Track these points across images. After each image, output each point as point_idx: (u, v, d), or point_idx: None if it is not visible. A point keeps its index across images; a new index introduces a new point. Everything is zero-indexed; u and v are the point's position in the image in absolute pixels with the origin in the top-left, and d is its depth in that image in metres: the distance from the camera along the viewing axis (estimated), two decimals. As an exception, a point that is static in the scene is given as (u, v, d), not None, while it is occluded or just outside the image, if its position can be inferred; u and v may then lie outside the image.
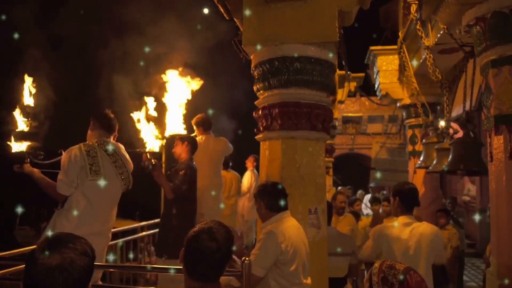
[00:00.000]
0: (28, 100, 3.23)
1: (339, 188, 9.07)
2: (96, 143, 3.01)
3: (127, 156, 3.21)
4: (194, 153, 4.00)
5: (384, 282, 1.53)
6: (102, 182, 2.91)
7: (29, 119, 3.20)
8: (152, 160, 3.44)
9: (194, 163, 3.94)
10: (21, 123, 3.19)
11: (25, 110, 3.19)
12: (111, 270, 4.26)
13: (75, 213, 2.85)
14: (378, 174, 11.60)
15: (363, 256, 3.30)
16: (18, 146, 3.11)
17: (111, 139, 3.15)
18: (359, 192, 10.42)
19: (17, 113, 3.18)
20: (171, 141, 4.07)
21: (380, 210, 6.27)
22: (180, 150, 3.92)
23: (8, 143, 3.11)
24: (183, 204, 3.74)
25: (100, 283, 3.12)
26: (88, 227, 2.79)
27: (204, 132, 4.79)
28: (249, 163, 7.13)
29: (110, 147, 3.04)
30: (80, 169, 2.88)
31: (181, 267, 1.63)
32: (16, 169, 3.00)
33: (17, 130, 3.15)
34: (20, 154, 3.04)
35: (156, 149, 3.57)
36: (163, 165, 4.39)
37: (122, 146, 3.21)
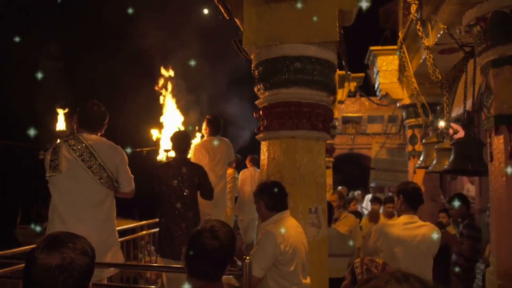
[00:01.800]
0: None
1: (339, 188, 9.08)
2: (63, 139, 2.99)
3: (109, 150, 2.98)
4: (181, 150, 3.99)
5: (367, 273, 1.72)
6: (60, 177, 2.83)
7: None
8: None
9: (174, 161, 3.92)
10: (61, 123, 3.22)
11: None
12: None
13: (49, 210, 2.88)
14: (376, 174, 11.62)
15: (365, 250, 3.30)
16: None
17: (91, 133, 2.99)
18: (358, 192, 10.42)
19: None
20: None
21: (381, 210, 6.28)
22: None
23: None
24: (164, 203, 3.80)
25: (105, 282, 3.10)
26: (61, 224, 2.74)
27: (210, 134, 4.84)
28: (248, 162, 7.14)
29: (77, 141, 2.89)
30: (46, 166, 2.89)
31: (179, 266, 1.64)
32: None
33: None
34: None
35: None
36: None
37: (101, 140, 3.01)
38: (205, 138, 4.88)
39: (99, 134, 3.07)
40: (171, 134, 4.13)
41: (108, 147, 2.99)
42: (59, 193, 2.86)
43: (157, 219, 5.22)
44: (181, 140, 4.01)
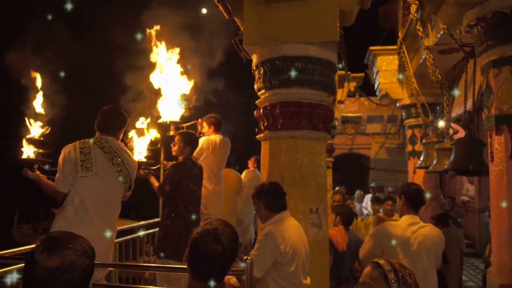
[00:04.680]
0: (39, 108, 3.31)
1: (337, 188, 9.07)
2: (93, 140, 3.01)
3: (129, 155, 3.13)
4: (194, 150, 4.05)
5: (403, 282, 1.48)
6: (93, 178, 2.87)
7: (43, 126, 3.32)
8: (146, 170, 3.73)
9: (189, 162, 3.92)
10: (34, 129, 3.27)
11: (37, 117, 3.27)
12: (110, 269, 4.24)
13: (70, 210, 2.85)
14: (375, 174, 11.64)
15: (361, 254, 3.27)
16: (28, 152, 3.21)
17: (113, 138, 3.09)
18: (358, 192, 10.41)
19: (30, 120, 3.27)
20: (166, 129, 4.16)
21: (381, 210, 6.28)
22: (179, 152, 3.92)
23: (23, 149, 3.21)
24: (176, 204, 3.73)
25: (104, 282, 3.10)
26: (83, 226, 2.74)
27: (215, 132, 4.86)
28: (250, 163, 7.12)
29: (106, 144, 2.98)
30: (74, 165, 2.87)
31: (179, 266, 1.62)
32: (24, 174, 3.07)
33: (28, 136, 3.23)
34: (29, 160, 3.15)
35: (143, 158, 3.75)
36: (162, 152, 4.41)
37: (123, 145, 3.15)
38: (216, 135, 4.87)
39: (120, 139, 3.15)
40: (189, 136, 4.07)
41: (128, 153, 3.12)
42: (91, 194, 2.88)
43: (155, 219, 5.25)
44: (196, 142, 4.14)
